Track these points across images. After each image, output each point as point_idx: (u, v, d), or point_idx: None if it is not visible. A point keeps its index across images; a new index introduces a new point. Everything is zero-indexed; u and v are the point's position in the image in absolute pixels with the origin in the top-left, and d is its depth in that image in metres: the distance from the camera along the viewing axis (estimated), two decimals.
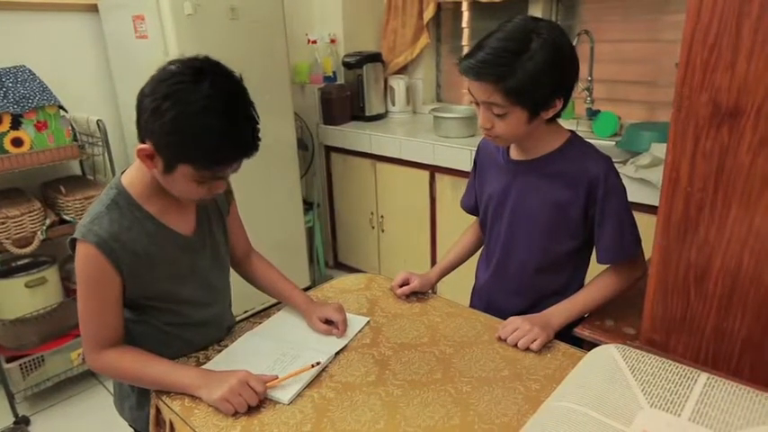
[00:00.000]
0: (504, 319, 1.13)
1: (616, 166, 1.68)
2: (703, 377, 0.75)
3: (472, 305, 1.34)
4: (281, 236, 2.61)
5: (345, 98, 2.87)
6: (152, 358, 0.99)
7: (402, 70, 3.02)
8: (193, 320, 1.09)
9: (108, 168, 2.07)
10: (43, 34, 2.19)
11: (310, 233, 2.95)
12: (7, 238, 1.86)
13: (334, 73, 2.94)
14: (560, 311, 1.12)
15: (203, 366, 1.04)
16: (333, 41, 2.94)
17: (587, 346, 1.08)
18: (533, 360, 1.02)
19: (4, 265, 2.03)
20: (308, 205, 2.91)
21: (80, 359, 2.14)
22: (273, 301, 1.26)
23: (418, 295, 1.29)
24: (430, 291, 1.31)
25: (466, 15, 2.85)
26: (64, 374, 2.11)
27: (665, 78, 2.24)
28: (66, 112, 2.01)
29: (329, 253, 3.19)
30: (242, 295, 1.33)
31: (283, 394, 0.94)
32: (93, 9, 2.28)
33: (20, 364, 2.00)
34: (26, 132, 1.89)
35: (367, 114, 2.90)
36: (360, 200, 2.87)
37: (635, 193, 1.79)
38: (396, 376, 0.99)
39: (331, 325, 1.13)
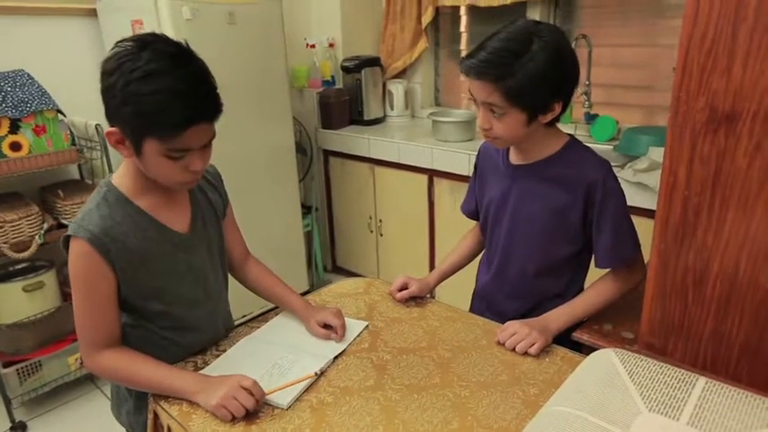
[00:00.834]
0: (504, 322, 1.13)
1: (614, 169, 1.70)
2: (701, 381, 0.75)
3: (472, 308, 1.34)
4: (280, 240, 2.61)
5: (344, 102, 2.88)
6: (150, 361, 0.99)
7: (400, 74, 3.03)
8: (190, 321, 1.09)
9: (106, 172, 2.07)
10: (42, 39, 2.19)
11: (309, 237, 2.95)
12: (5, 243, 1.86)
13: (332, 77, 2.95)
14: (559, 316, 1.12)
15: (201, 371, 1.04)
16: (331, 45, 2.95)
17: (586, 350, 1.08)
18: (532, 364, 1.02)
19: (1, 270, 2.03)
20: (306, 209, 2.91)
21: (77, 364, 2.13)
22: (272, 305, 1.26)
23: (417, 300, 1.29)
24: (428, 295, 1.31)
25: (464, 20, 2.86)
26: (61, 379, 2.10)
27: (662, 83, 2.25)
28: (64, 116, 2.01)
29: (327, 257, 3.19)
30: (240, 300, 1.33)
31: (282, 399, 0.94)
32: (92, 14, 2.29)
33: (17, 369, 1.99)
34: (24, 136, 1.89)
35: (365, 118, 2.90)
36: (358, 204, 2.87)
37: (633, 197, 1.80)
38: (394, 381, 0.99)
39: (329, 329, 1.13)
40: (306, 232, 2.83)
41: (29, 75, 1.98)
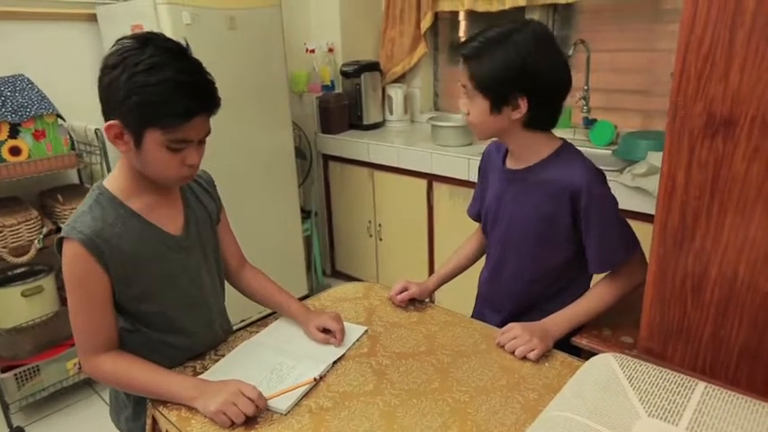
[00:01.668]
0: (503, 321, 1.14)
1: (612, 174, 1.71)
2: (701, 386, 0.75)
3: (475, 308, 1.33)
4: (279, 244, 2.61)
5: (343, 107, 2.89)
6: (148, 366, 0.99)
7: (400, 79, 3.04)
8: (186, 324, 1.08)
9: (106, 177, 2.07)
10: (42, 43, 2.20)
11: (308, 242, 2.95)
12: (4, 247, 1.86)
13: (332, 82, 2.96)
14: (560, 322, 1.12)
15: (200, 376, 1.03)
16: (331, 50, 2.95)
17: (585, 355, 1.08)
18: (531, 369, 1.02)
19: (0, 274, 2.02)
20: (305, 214, 2.91)
21: (76, 369, 2.13)
22: (270, 310, 1.26)
23: (416, 304, 1.29)
24: (427, 300, 1.31)
25: (463, 25, 2.88)
26: (59, 384, 2.10)
27: (660, 87, 2.25)
28: (64, 120, 2.01)
29: (327, 261, 3.19)
30: (239, 304, 1.32)
31: (281, 404, 0.94)
32: (92, 19, 2.29)
33: (15, 374, 1.98)
34: (24, 141, 1.89)
35: (365, 123, 2.91)
36: (357, 208, 2.87)
37: (631, 202, 1.80)
38: (393, 386, 0.99)
39: (328, 334, 1.13)
40: (305, 237, 2.83)
41: (28, 79, 1.99)
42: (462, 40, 1.09)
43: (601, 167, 1.81)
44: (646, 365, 0.80)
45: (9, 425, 2.00)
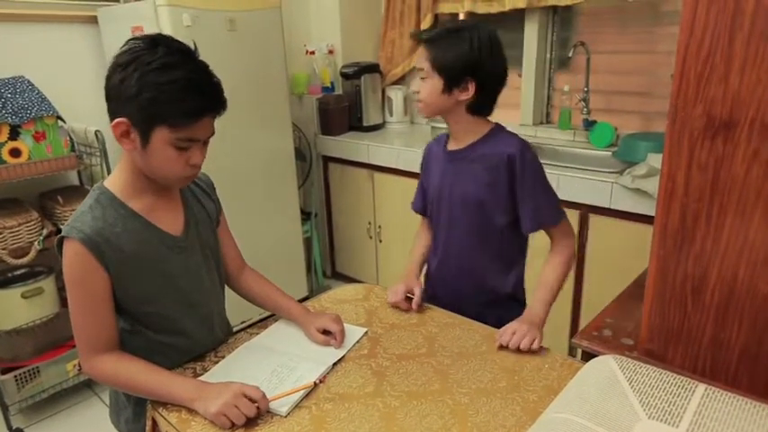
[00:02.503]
0: (461, 301, 1.28)
1: (613, 176, 1.73)
2: (701, 388, 0.75)
3: (427, 293, 1.35)
4: (279, 246, 2.61)
5: (343, 109, 2.89)
6: (148, 367, 0.99)
7: (400, 81, 3.04)
8: (186, 325, 1.08)
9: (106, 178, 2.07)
10: (42, 45, 2.20)
11: (308, 243, 2.94)
12: (4, 249, 1.86)
13: (332, 83, 2.96)
14: (539, 306, 1.21)
15: (200, 377, 1.03)
16: (331, 52, 2.96)
17: (585, 356, 1.08)
18: (531, 371, 1.02)
19: (0, 276, 2.02)
20: (305, 215, 2.91)
21: (76, 370, 2.12)
22: (270, 312, 1.26)
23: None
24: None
25: None
26: (59, 386, 2.10)
27: (660, 89, 2.26)
28: (64, 122, 2.01)
29: (327, 263, 3.19)
30: (239, 306, 1.32)
31: (281, 406, 0.94)
32: (93, 21, 2.29)
33: (15, 376, 1.98)
34: (24, 143, 1.89)
35: (365, 125, 2.91)
36: (357, 210, 2.87)
37: (631, 204, 1.80)
38: (393, 387, 0.99)
39: (329, 335, 1.13)
40: (305, 238, 2.83)
41: (29, 81, 1.99)
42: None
43: (600, 169, 1.85)
44: (646, 367, 0.80)
45: (9, 426, 2.00)
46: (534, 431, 0.74)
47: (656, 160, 1.79)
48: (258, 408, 0.91)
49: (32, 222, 1.92)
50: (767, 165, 0.77)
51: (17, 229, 1.88)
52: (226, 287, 1.22)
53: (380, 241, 2.81)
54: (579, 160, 2.31)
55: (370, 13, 3.03)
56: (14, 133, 1.87)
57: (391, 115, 3.01)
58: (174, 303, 1.06)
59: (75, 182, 2.32)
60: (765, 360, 0.85)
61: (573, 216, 1.98)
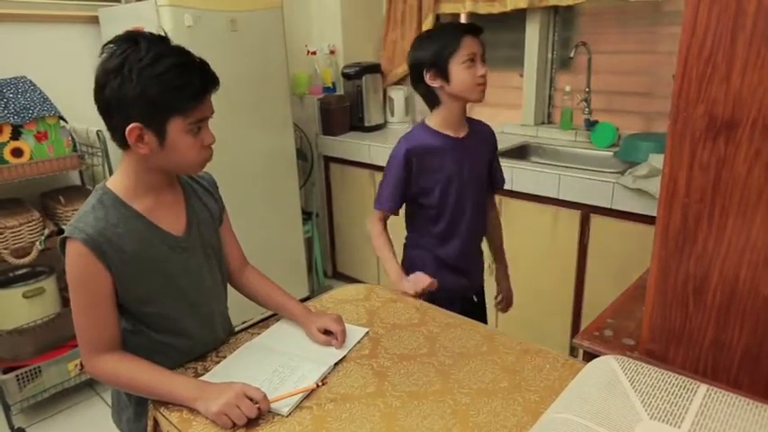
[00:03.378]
0: (472, 275, 1.58)
1: (614, 176, 1.82)
2: (703, 389, 0.75)
3: (446, 281, 1.43)
4: (280, 246, 2.61)
5: (344, 109, 2.89)
6: (150, 366, 0.99)
7: (401, 81, 3.04)
8: (187, 325, 1.08)
9: (107, 178, 2.07)
10: (44, 45, 2.20)
11: (309, 243, 2.95)
12: (5, 249, 1.86)
13: (333, 84, 2.96)
14: (506, 275, 1.71)
15: (201, 377, 1.03)
16: (332, 53, 2.96)
17: (586, 357, 1.08)
18: (532, 371, 1.02)
19: (2, 276, 2.03)
20: (306, 215, 2.91)
21: (77, 370, 2.13)
22: (272, 311, 1.26)
23: (417, 306, 1.29)
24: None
25: None
26: (60, 386, 2.10)
27: (662, 89, 2.26)
28: (66, 122, 2.01)
29: (328, 263, 3.19)
30: (240, 306, 1.32)
31: (282, 406, 0.94)
32: (94, 21, 2.30)
33: (16, 375, 1.98)
34: (26, 143, 1.90)
35: (366, 125, 2.91)
36: (359, 210, 2.87)
37: (633, 204, 1.80)
38: (395, 387, 0.99)
39: (330, 335, 1.13)
40: (306, 238, 2.83)
41: (31, 81, 1.99)
42: (463, 24, 1.52)
43: (602, 169, 1.87)
44: (647, 368, 0.79)
45: (10, 426, 2.00)
46: (535, 431, 0.74)
47: (657, 160, 1.78)
48: (259, 409, 0.91)
49: (34, 222, 1.92)
50: None
51: (18, 228, 1.88)
52: (228, 286, 1.22)
53: None
54: (580, 160, 2.31)
55: (371, 14, 3.03)
56: (16, 133, 1.87)
57: (392, 115, 3.01)
58: (175, 303, 1.06)
59: (77, 182, 2.32)
60: (767, 361, 0.85)
61: (574, 216, 1.98)
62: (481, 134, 1.50)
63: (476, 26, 1.40)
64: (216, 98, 0.99)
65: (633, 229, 1.82)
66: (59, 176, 2.19)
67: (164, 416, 0.95)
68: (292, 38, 2.72)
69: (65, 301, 2.10)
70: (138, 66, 0.89)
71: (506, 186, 2.14)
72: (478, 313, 1.66)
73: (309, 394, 0.98)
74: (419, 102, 3.06)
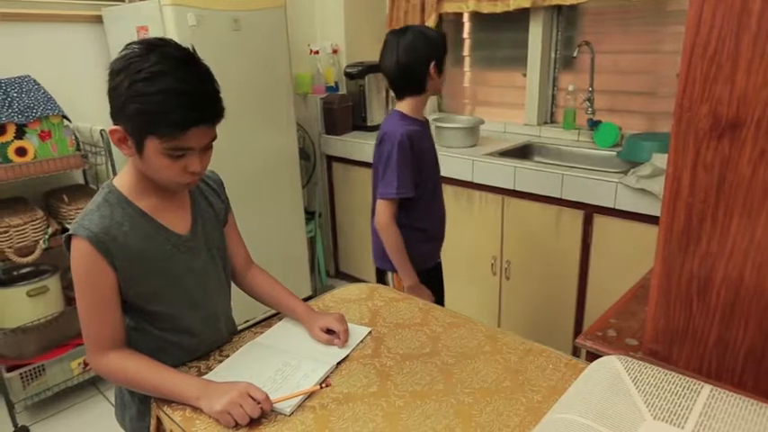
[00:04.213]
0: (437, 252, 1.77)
1: (617, 176, 1.81)
2: (707, 389, 0.74)
3: (424, 253, 1.68)
4: (283, 245, 2.61)
5: (347, 108, 2.89)
6: (154, 365, 0.99)
7: None
8: (191, 323, 1.09)
9: (111, 178, 2.08)
10: (48, 45, 2.21)
11: (312, 243, 2.95)
12: (9, 247, 1.87)
13: (336, 83, 2.96)
14: None
15: (204, 376, 1.04)
16: (335, 52, 2.96)
17: (589, 357, 1.07)
18: (535, 371, 1.02)
19: (5, 274, 2.03)
20: (309, 215, 2.92)
21: (80, 368, 2.13)
22: (275, 310, 1.26)
23: (420, 305, 1.29)
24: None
25: (467, 26, 2.88)
26: (64, 384, 2.11)
27: (665, 89, 2.25)
28: (69, 121, 2.02)
29: (331, 262, 3.19)
30: (244, 305, 1.33)
31: (284, 406, 0.94)
32: (98, 20, 2.30)
33: (20, 374, 1.99)
34: (30, 142, 1.90)
35: (369, 124, 2.91)
36: (361, 209, 2.87)
37: (636, 204, 1.80)
38: (397, 387, 0.99)
39: (332, 335, 1.13)
40: (309, 238, 2.83)
41: (35, 80, 2.00)
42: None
43: (605, 169, 1.86)
44: (651, 368, 0.79)
45: (14, 424, 2.01)
46: (538, 431, 0.74)
47: (660, 160, 1.78)
48: (262, 409, 0.92)
49: (38, 221, 1.93)
50: None
51: (22, 227, 1.89)
52: (232, 285, 1.22)
53: None
54: (583, 160, 2.31)
55: (374, 13, 3.03)
56: (20, 132, 1.88)
57: None
58: (179, 302, 1.06)
59: (81, 181, 2.33)
60: None
61: (577, 216, 1.98)
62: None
63: None
64: None
65: (636, 229, 1.82)
66: (63, 175, 2.20)
67: (167, 414, 0.96)
68: (295, 37, 2.72)
69: (68, 300, 2.11)
70: (132, 77, 0.87)
71: (509, 186, 2.15)
72: (439, 271, 1.84)
73: (312, 394, 0.98)
74: None
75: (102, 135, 2.05)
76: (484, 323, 1.20)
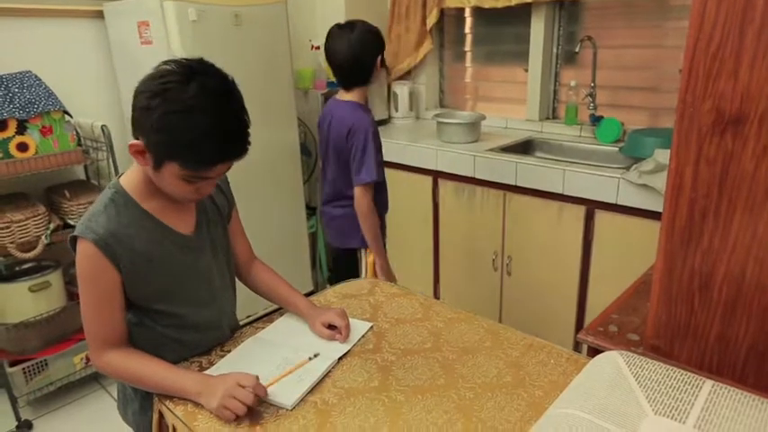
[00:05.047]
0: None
1: (619, 172, 1.75)
2: (708, 384, 0.74)
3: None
4: (284, 241, 2.61)
5: None
6: (155, 362, 1.00)
7: (405, 76, 3.03)
8: (193, 322, 1.09)
9: (112, 173, 2.08)
10: (49, 40, 2.21)
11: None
12: (11, 243, 1.87)
13: None
14: None
15: (206, 371, 1.04)
16: None
17: (591, 352, 1.08)
18: (537, 366, 1.02)
19: (8, 270, 2.04)
20: (310, 210, 2.91)
21: (83, 363, 2.14)
22: (276, 306, 1.26)
23: (421, 300, 1.29)
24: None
25: (469, 21, 2.86)
26: (67, 379, 2.12)
27: (668, 84, 2.24)
28: (71, 117, 2.02)
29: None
30: (245, 300, 1.33)
31: (286, 400, 0.94)
32: (99, 15, 2.30)
33: (23, 369, 2.00)
34: (31, 137, 1.90)
35: None
36: None
37: (638, 199, 1.79)
38: (399, 382, 0.99)
39: (334, 330, 1.13)
40: (310, 233, 2.83)
41: (36, 76, 1.99)
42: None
43: (607, 165, 1.86)
44: (652, 363, 0.79)
45: (17, 418, 2.02)
46: (540, 426, 0.74)
47: (662, 156, 1.77)
48: (256, 394, 0.92)
49: (39, 217, 1.93)
50: None
51: (24, 223, 1.89)
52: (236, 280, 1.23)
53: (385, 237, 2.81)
54: (585, 156, 2.30)
55: (375, 8, 3.01)
56: (21, 128, 1.88)
57: (396, 110, 3.00)
58: (183, 301, 1.07)
59: (82, 176, 2.33)
60: None
61: (579, 212, 1.98)
62: None
63: None
64: None
65: (638, 224, 1.82)
66: (64, 171, 2.19)
67: (169, 409, 0.96)
68: (296, 32, 2.72)
69: (71, 295, 2.12)
70: (168, 106, 0.86)
71: (511, 181, 2.14)
72: None
73: (314, 388, 0.98)
74: (423, 97, 3.07)
75: (103, 130, 2.05)
76: (485, 318, 1.21)
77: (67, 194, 2.04)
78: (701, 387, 0.74)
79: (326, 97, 2.86)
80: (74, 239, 0.96)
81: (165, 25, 2.00)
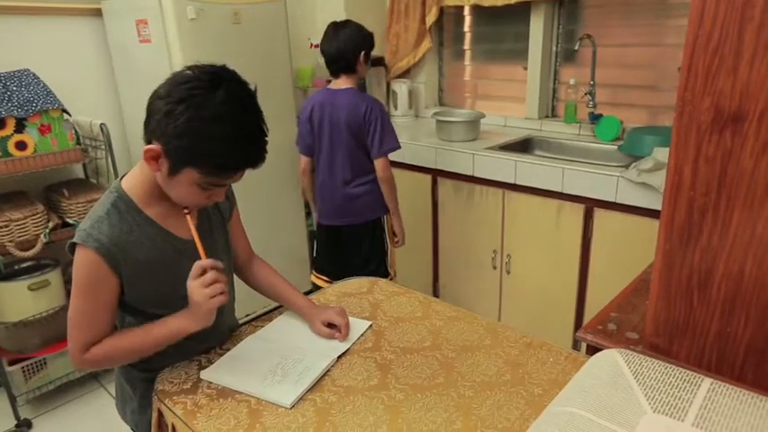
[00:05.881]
0: None
1: (618, 170, 1.75)
2: (707, 382, 0.75)
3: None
4: (283, 239, 2.61)
5: None
6: (133, 332, 0.99)
7: (405, 74, 3.03)
8: None
9: (111, 172, 2.08)
10: (47, 38, 2.20)
11: (312, 236, 2.94)
12: (10, 241, 1.87)
13: None
14: None
15: (205, 370, 1.04)
16: None
17: (590, 350, 1.08)
18: (536, 365, 1.02)
19: (7, 268, 2.04)
20: (309, 209, 2.91)
21: None
22: (276, 304, 1.26)
23: (421, 298, 1.29)
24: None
25: (468, 19, 2.86)
26: (66, 377, 2.12)
27: (667, 82, 2.24)
28: (69, 115, 2.01)
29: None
30: (244, 299, 1.33)
31: (285, 398, 0.94)
32: (97, 13, 2.29)
33: (22, 367, 2.00)
34: (30, 136, 1.90)
35: None
36: None
37: (637, 198, 1.79)
38: (398, 380, 0.99)
39: (333, 328, 1.13)
40: (309, 231, 2.83)
41: (34, 74, 1.99)
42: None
43: (606, 163, 1.86)
44: (651, 361, 0.79)
45: (16, 417, 2.02)
46: (539, 424, 0.74)
47: (662, 154, 1.77)
48: (215, 267, 0.94)
49: (38, 215, 1.93)
50: None
51: (23, 221, 1.89)
52: (235, 279, 1.22)
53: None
54: (584, 154, 2.30)
55: (374, 6, 3.01)
56: (20, 126, 1.88)
57: (396, 109, 3.00)
58: (183, 307, 1.06)
59: (81, 175, 2.33)
60: None
61: (578, 210, 1.98)
62: None
63: None
64: None
65: (637, 222, 1.82)
66: (63, 169, 2.19)
67: (168, 407, 0.96)
68: (295, 30, 2.71)
69: (69, 294, 2.11)
70: (194, 112, 0.86)
71: (510, 180, 2.14)
72: None
73: (313, 387, 0.98)
74: (422, 95, 3.07)
75: (102, 129, 2.04)
76: (484, 317, 1.21)
77: (66, 193, 2.04)
78: (699, 385, 0.74)
79: None
80: (72, 245, 0.95)
81: (163, 23, 2.00)
